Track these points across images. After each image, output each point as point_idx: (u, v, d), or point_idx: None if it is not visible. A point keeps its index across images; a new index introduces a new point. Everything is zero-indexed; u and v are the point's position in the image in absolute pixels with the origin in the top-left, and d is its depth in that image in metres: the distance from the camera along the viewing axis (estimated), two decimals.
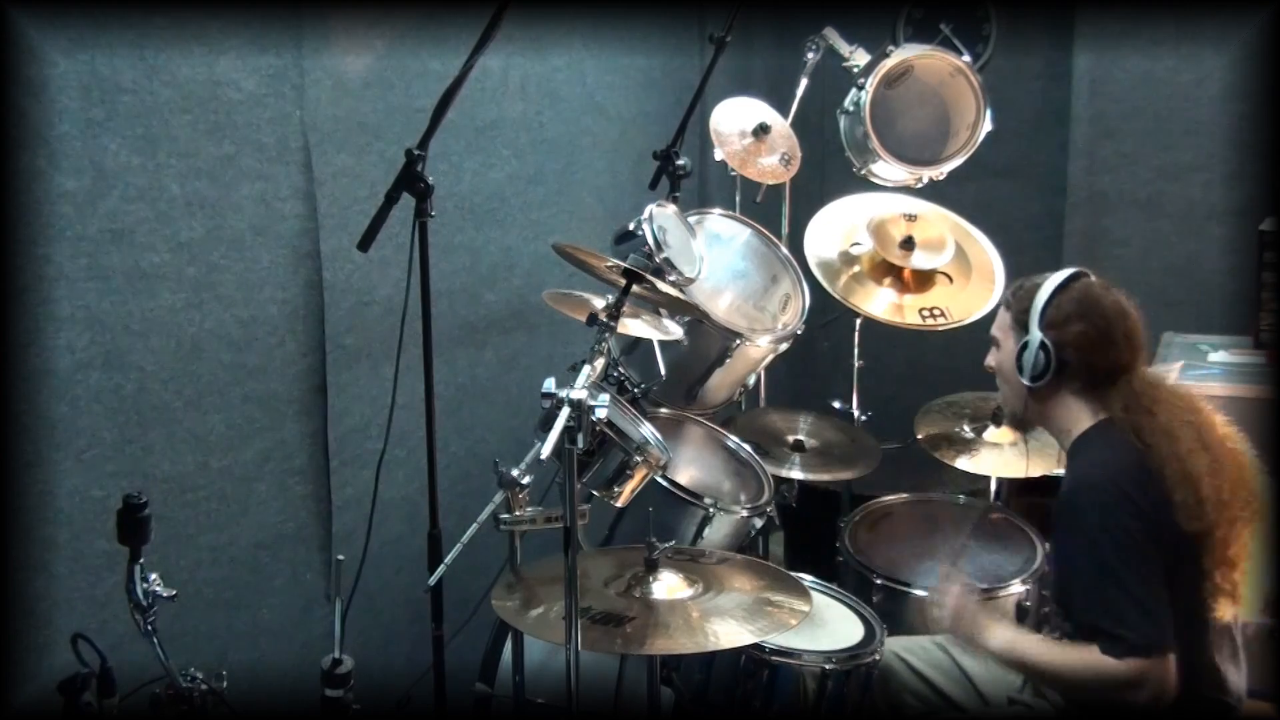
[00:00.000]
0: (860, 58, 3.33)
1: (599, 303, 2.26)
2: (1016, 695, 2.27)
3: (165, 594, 1.73)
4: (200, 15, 2.14)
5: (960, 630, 2.13)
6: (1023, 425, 2.30)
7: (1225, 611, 2.00)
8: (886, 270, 3.28)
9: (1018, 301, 2.18)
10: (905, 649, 2.39)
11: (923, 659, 2.37)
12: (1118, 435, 2.05)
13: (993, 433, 3.10)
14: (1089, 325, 2.08)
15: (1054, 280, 2.14)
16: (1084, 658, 1.95)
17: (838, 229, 3.36)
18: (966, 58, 3.36)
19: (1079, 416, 2.12)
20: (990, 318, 2.37)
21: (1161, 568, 1.94)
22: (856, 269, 3.28)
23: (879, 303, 3.23)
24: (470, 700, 2.43)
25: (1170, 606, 1.93)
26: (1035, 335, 2.10)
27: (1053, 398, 2.14)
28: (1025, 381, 2.13)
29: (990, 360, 2.27)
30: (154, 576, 1.73)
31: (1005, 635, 2.10)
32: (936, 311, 3.20)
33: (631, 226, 2.42)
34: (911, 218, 3.31)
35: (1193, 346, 3.33)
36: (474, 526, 2.13)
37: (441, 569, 2.15)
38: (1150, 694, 1.90)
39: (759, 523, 2.81)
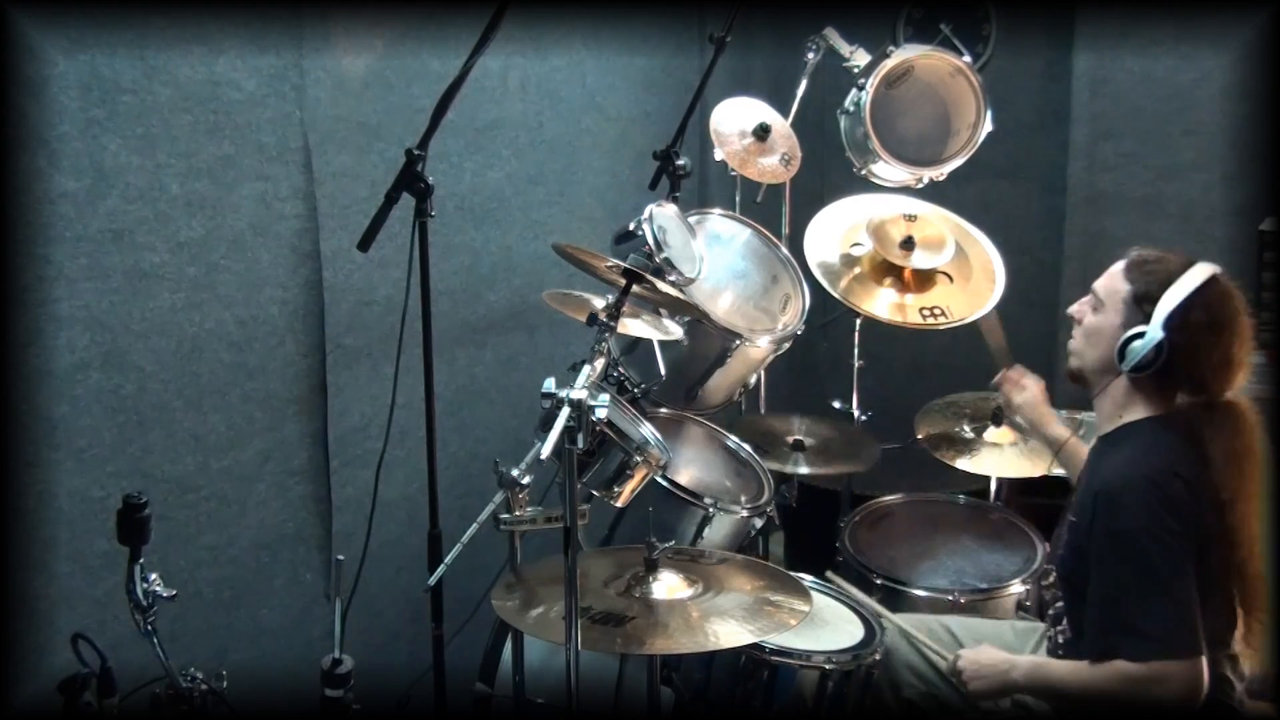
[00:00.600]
0: (860, 58, 3.33)
1: (599, 303, 2.26)
2: None
3: (165, 594, 1.73)
4: (200, 15, 2.14)
5: (985, 680, 2.13)
6: (1080, 382, 2.19)
7: (1243, 638, 2.02)
8: (887, 270, 3.27)
9: (1143, 277, 2.04)
10: (910, 627, 2.40)
11: (926, 635, 2.37)
12: (1174, 435, 2.01)
13: (993, 433, 3.10)
14: (1217, 340, 2.00)
15: (1193, 278, 2.01)
16: (1111, 669, 1.95)
17: (838, 230, 3.36)
18: (966, 58, 3.36)
19: (1144, 405, 2.07)
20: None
21: (1194, 573, 1.93)
22: (858, 270, 3.28)
23: (880, 303, 3.23)
24: (470, 700, 2.43)
25: (1201, 612, 1.92)
26: (1156, 332, 1.99)
27: (1134, 383, 2.06)
28: (1122, 368, 2.04)
29: (1077, 313, 2.16)
30: (154, 576, 1.73)
31: (1026, 664, 2.11)
32: (937, 311, 3.20)
33: (631, 226, 2.42)
34: (911, 218, 3.31)
35: None
36: (474, 526, 2.13)
37: (441, 569, 2.15)
38: (1177, 692, 1.90)
39: (759, 523, 2.81)
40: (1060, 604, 2.16)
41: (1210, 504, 1.96)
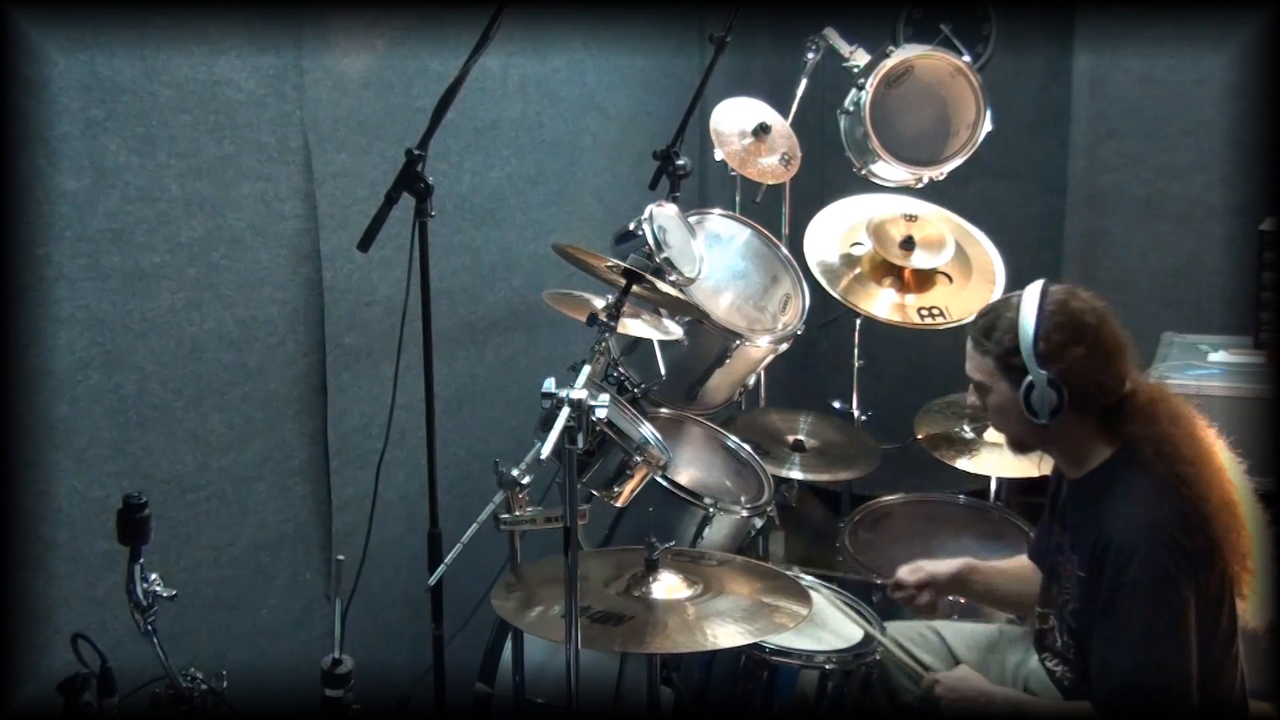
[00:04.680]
0: (860, 58, 3.33)
1: (599, 303, 2.26)
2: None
3: (165, 594, 1.73)
4: (200, 15, 2.14)
5: (961, 709, 2.12)
6: (1028, 450, 2.16)
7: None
8: (887, 270, 3.28)
9: (994, 344, 2.01)
10: (900, 634, 2.40)
11: (918, 644, 2.37)
12: (1148, 467, 1.96)
13: (993, 433, 3.10)
14: (1086, 346, 1.96)
15: (1029, 307, 1.98)
16: (1087, 710, 1.97)
17: (838, 230, 3.36)
18: (966, 58, 3.36)
19: (1096, 446, 2.02)
20: None
21: (1194, 610, 1.91)
22: (858, 270, 3.28)
23: (880, 303, 3.23)
24: (470, 700, 2.43)
25: (1197, 650, 1.92)
26: (1040, 374, 1.95)
27: (1067, 429, 2.01)
28: (1042, 421, 1.98)
29: (975, 401, 2.12)
30: (154, 576, 1.73)
31: (1004, 702, 2.11)
32: (936, 311, 3.20)
33: (631, 226, 2.42)
34: (911, 218, 3.32)
35: (1193, 346, 3.33)
36: (474, 526, 2.13)
37: (441, 569, 2.15)
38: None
39: (759, 523, 2.81)
40: (1060, 643, 2.15)
41: (1204, 526, 1.93)
